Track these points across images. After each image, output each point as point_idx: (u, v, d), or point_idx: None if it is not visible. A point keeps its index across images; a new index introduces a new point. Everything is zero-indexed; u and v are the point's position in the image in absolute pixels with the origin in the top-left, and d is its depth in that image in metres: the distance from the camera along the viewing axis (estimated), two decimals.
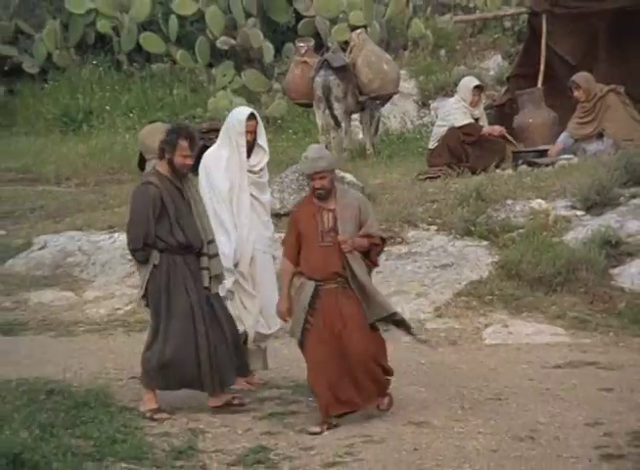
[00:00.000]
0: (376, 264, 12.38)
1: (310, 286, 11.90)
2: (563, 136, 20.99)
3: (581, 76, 20.99)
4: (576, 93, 21.07)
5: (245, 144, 14.03)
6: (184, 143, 12.44)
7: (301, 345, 12.28)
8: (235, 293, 13.85)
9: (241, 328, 13.81)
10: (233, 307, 13.78)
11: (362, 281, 11.90)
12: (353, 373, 12.10)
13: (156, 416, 12.67)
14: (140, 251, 12.58)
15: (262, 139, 14.35)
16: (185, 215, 12.70)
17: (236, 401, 12.90)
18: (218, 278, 13.01)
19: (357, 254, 11.87)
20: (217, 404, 12.83)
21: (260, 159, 14.25)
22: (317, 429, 12.09)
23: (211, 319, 12.66)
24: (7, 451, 11.55)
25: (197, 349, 12.48)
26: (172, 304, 12.48)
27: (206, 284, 12.80)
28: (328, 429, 12.16)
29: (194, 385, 12.86)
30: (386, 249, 17.70)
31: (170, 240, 12.53)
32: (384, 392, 12.63)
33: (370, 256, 12.09)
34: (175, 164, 12.52)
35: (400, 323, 12.45)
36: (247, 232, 13.99)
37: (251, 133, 14.05)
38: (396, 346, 15.52)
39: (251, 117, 14.22)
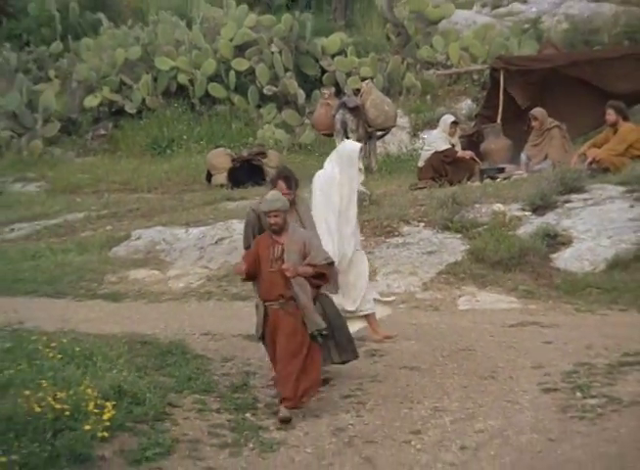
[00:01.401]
0: (318, 287, 11.92)
1: (261, 308, 11.66)
2: (522, 156, 20.97)
3: (538, 111, 20.91)
4: (534, 123, 20.93)
5: (357, 169, 13.88)
6: (282, 183, 12.28)
7: (263, 341, 11.95)
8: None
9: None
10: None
11: (302, 302, 11.56)
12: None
13: None
14: None
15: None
16: None
17: None
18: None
19: (301, 279, 11.54)
20: None
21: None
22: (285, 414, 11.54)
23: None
24: (114, 384, 11.63)
25: None
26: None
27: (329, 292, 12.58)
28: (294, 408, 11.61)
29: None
30: (386, 240, 17.78)
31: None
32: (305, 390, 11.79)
33: (323, 279, 11.74)
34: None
35: (315, 339, 11.78)
36: (349, 236, 13.82)
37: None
38: (394, 311, 15.52)
39: (360, 149, 14.11)
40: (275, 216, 11.52)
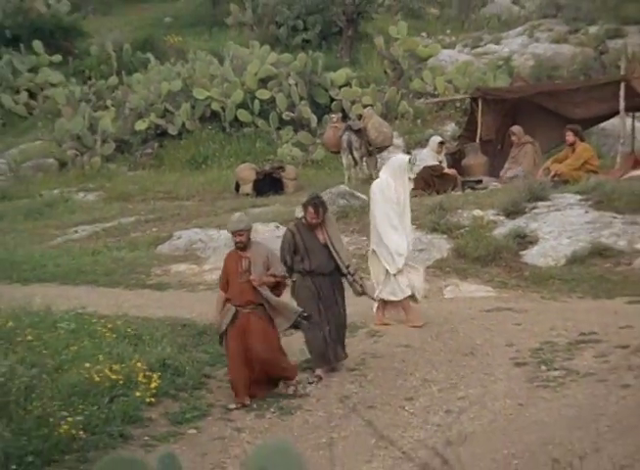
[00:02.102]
0: (280, 295, 11.93)
1: (232, 310, 11.58)
2: (505, 168, 20.99)
3: (516, 128, 20.92)
4: (513, 138, 20.94)
5: (407, 176, 13.89)
6: (311, 209, 12.32)
7: (221, 343, 11.88)
8: (405, 269, 13.63)
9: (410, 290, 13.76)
10: (405, 278, 13.69)
11: (272, 303, 11.63)
12: (253, 369, 11.59)
13: None
14: (286, 267, 12.26)
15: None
16: (313, 251, 12.38)
17: None
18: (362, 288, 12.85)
19: (266, 287, 11.60)
20: None
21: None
22: (233, 406, 11.40)
23: (335, 316, 12.45)
24: (159, 359, 11.72)
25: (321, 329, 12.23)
26: (304, 306, 12.17)
27: (355, 292, 12.75)
28: (243, 407, 11.42)
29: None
30: None
31: (301, 266, 12.31)
32: (285, 378, 11.86)
33: (278, 288, 11.81)
34: (307, 220, 12.39)
35: (299, 324, 11.96)
36: (409, 232, 14.02)
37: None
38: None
39: (409, 161, 14.17)
40: (240, 235, 11.59)
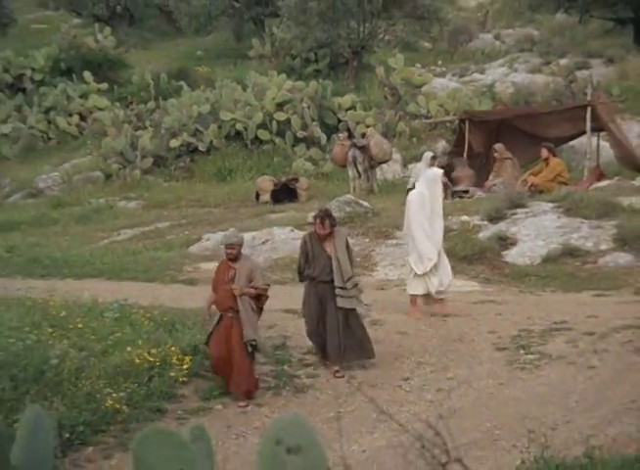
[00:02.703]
0: (261, 307, 11.41)
1: (217, 314, 11.28)
2: (492, 179, 20.97)
3: (498, 145, 20.92)
4: (495, 154, 20.94)
5: (440, 188, 13.86)
6: (318, 221, 11.89)
7: (206, 343, 11.44)
8: (434, 268, 13.46)
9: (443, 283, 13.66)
10: (436, 278, 13.55)
11: (242, 315, 11.06)
12: (232, 368, 11.07)
13: None
14: (299, 275, 12.17)
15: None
16: (318, 261, 11.83)
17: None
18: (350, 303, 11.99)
19: (246, 298, 11.12)
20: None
21: None
22: (243, 403, 10.94)
23: (332, 322, 11.86)
24: (190, 344, 11.71)
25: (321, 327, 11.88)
26: (308, 307, 11.93)
27: (347, 305, 11.84)
28: (249, 400, 11.03)
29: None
30: (384, 241, 17.74)
31: (307, 272, 11.93)
32: (247, 386, 11.10)
33: (260, 300, 11.31)
34: (316, 232, 11.94)
35: (257, 347, 11.25)
36: (439, 236, 13.74)
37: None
38: (390, 291, 15.53)
39: (439, 174, 14.11)
40: (231, 248, 11.30)
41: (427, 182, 13.81)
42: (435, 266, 13.59)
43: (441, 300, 13.84)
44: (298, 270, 12.17)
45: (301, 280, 12.25)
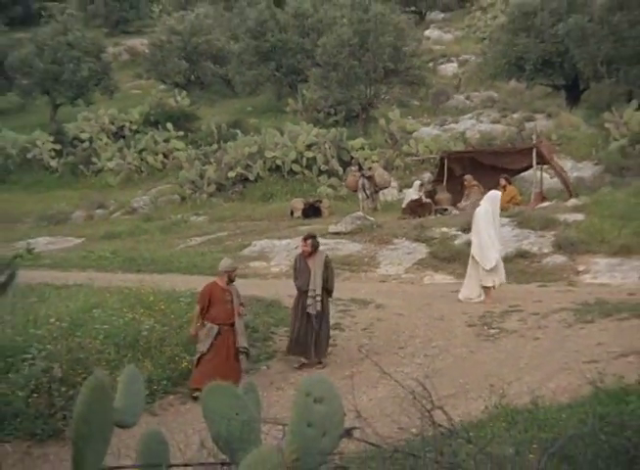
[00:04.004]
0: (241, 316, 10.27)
1: (215, 328, 9.92)
2: (464, 201, 20.83)
3: (468, 176, 20.71)
4: (465, 182, 20.78)
5: (498, 206, 13.46)
6: (303, 242, 11.09)
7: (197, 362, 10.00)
8: (495, 268, 12.97)
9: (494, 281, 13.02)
10: (495, 275, 13.02)
11: (238, 328, 10.08)
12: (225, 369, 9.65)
13: None
14: (295, 284, 11.07)
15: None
16: (302, 274, 10.84)
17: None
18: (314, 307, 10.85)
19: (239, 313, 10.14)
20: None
21: None
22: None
23: (309, 320, 10.83)
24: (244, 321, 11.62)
25: (302, 329, 10.90)
26: (295, 311, 10.96)
27: (310, 311, 10.74)
28: None
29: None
30: (385, 246, 17.62)
31: (295, 283, 11.01)
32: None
33: (240, 315, 10.15)
34: (302, 249, 11.04)
35: (248, 354, 10.28)
36: (499, 239, 13.45)
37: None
38: (390, 283, 15.47)
39: (498, 195, 13.74)
40: (232, 272, 10.31)
41: (491, 201, 13.41)
42: (496, 266, 13.16)
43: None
44: (294, 280, 11.24)
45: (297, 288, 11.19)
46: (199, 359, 9.96)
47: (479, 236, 13.19)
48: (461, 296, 13.37)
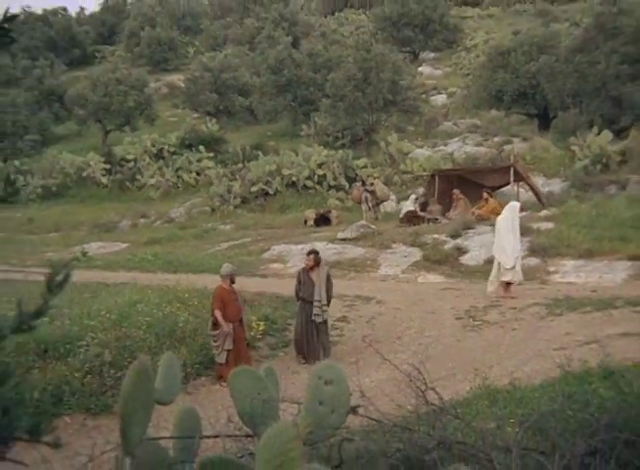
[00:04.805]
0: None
1: (230, 325, 9.70)
2: (452, 212, 20.69)
3: (455, 190, 20.42)
4: (454, 195, 20.69)
5: (518, 215, 13.19)
6: (307, 257, 10.79)
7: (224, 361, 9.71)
8: (515, 265, 12.81)
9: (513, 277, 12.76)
10: (514, 272, 12.76)
11: (245, 323, 10.12)
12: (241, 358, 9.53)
13: None
14: (296, 295, 10.72)
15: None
16: (307, 286, 10.49)
17: None
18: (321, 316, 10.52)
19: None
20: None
21: None
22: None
23: (309, 326, 10.52)
24: (264, 314, 11.64)
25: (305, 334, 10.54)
26: (300, 317, 10.60)
27: (318, 320, 10.44)
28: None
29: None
30: (385, 250, 17.60)
31: (301, 294, 10.60)
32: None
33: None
34: (306, 263, 10.73)
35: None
36: (519, 244, 13.17)
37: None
38: (389, 282, 15.42)
39: (517, 205, 13.48)
40: (234, 276, 10.15)
41: (512, 210, 13.21)
42: (515, 266, 12.98)
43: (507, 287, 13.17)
44: (295, 292, 10.72)
45: (297, 299, 10.75)
46: (227, 356, 9.72)
47: (500, 239, 13.04)
48: (488, 291, 13.17)
